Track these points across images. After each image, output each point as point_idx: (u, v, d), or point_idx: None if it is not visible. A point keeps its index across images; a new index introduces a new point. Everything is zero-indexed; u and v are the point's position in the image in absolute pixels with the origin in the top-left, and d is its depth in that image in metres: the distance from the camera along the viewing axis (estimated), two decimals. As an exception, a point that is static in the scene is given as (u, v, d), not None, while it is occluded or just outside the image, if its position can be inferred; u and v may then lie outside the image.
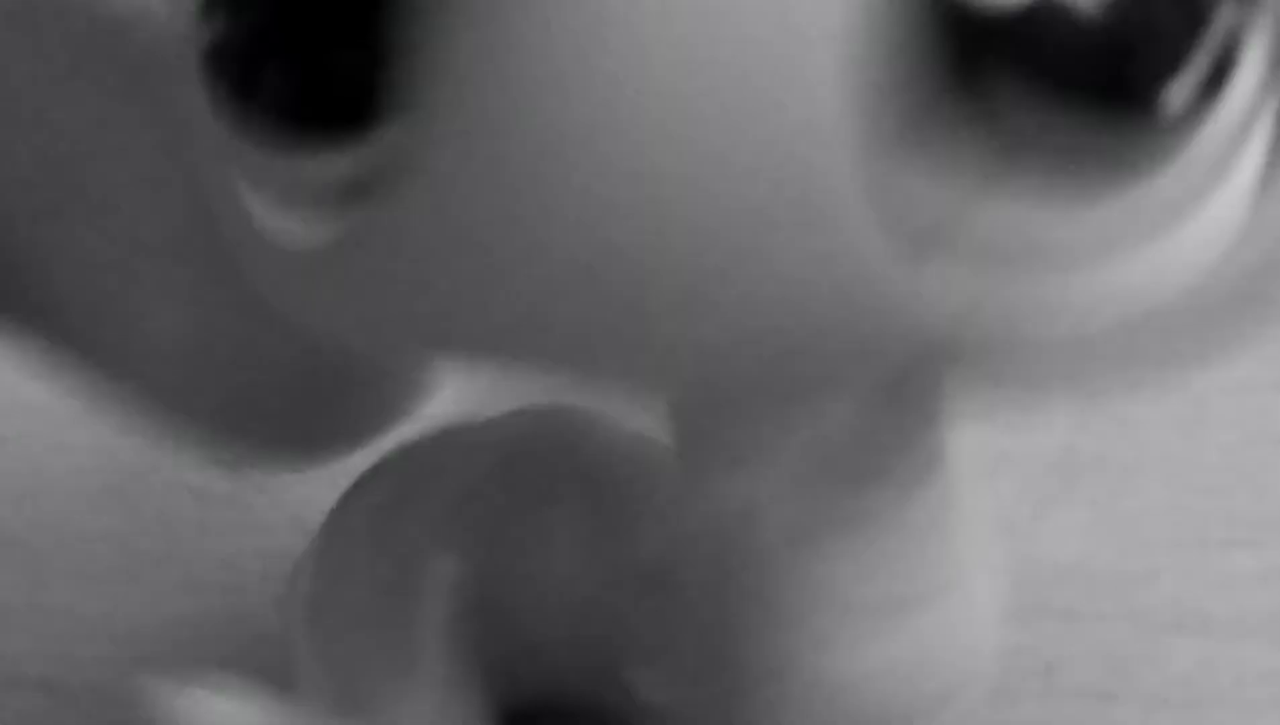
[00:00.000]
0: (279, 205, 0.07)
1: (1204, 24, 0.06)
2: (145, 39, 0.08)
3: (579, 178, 0.06)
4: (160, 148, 0.09)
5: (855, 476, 0.07)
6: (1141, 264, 0.06)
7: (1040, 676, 0.13)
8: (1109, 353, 0.07)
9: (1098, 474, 0.16)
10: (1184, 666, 0.14)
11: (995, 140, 0.06)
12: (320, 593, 0.08)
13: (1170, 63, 0.06)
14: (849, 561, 0.07)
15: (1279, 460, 0.16)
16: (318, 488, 0.09)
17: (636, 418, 0.09)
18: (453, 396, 0.09)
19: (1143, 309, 0.06)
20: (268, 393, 0.09)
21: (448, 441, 0.09)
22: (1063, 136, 0.06)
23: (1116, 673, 0.14)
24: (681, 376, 0.06)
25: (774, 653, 0.07)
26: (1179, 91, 0.06)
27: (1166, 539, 0.15)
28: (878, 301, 0.06)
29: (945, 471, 0.08)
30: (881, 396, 0.07)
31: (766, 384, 0.06)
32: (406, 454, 0.09)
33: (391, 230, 0.06)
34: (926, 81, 0.06)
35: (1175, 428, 0.16)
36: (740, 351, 0.06)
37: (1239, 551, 0.15)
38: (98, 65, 0.08)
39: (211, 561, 0.15)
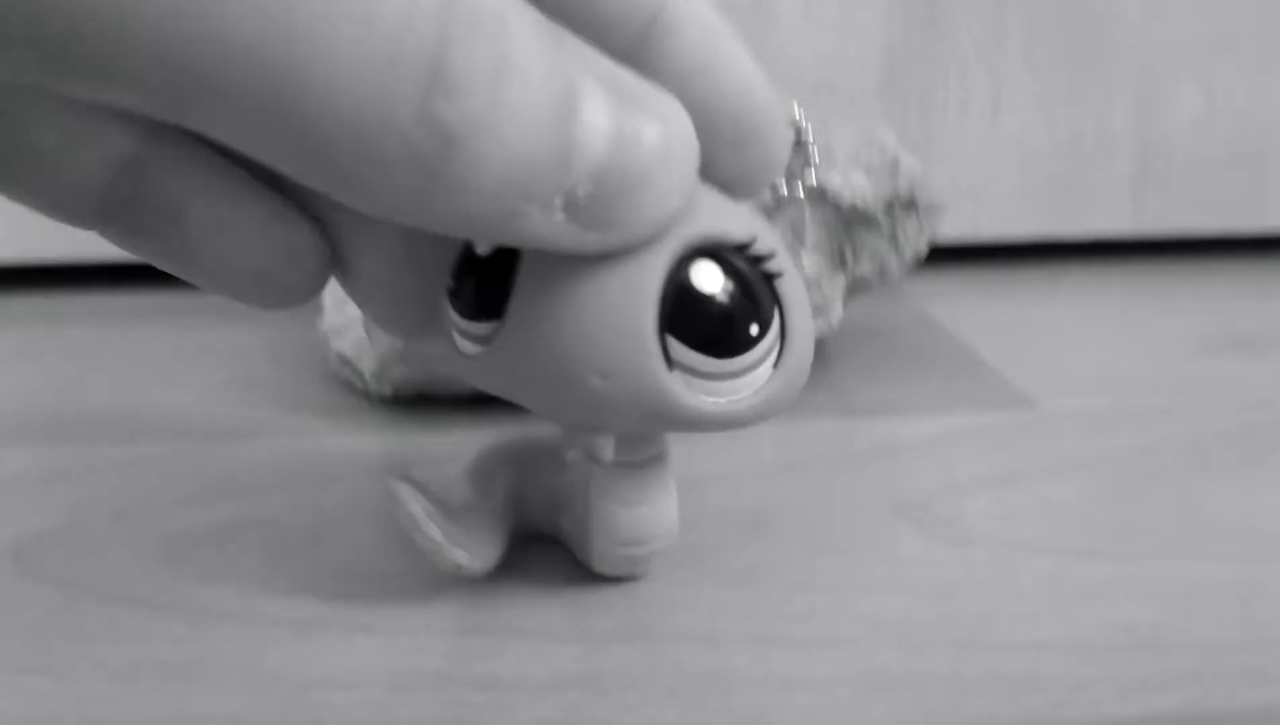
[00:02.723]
0: (459, 337, 0.16)
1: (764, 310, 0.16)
2: None
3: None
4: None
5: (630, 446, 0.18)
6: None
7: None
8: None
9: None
10: None
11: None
12: (468, 465, 0.19)
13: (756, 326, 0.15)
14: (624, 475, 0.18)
15: None
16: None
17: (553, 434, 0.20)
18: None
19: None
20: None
21: (506, 439, 0.20)
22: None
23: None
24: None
25: (590, 508, 0.18)
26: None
27: None
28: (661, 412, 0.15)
29: (664, 444, 0.18)
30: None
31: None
32: (496, 441, 0.20)
33: (488, 359, 0.16)
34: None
35: None
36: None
37: None
38: None
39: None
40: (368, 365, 0.26)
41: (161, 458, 0.24)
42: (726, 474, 0.23)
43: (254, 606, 0.18)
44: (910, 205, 0.29)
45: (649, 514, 0.18)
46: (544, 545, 0.20)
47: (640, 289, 0.15)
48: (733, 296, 0.15)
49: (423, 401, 0.26)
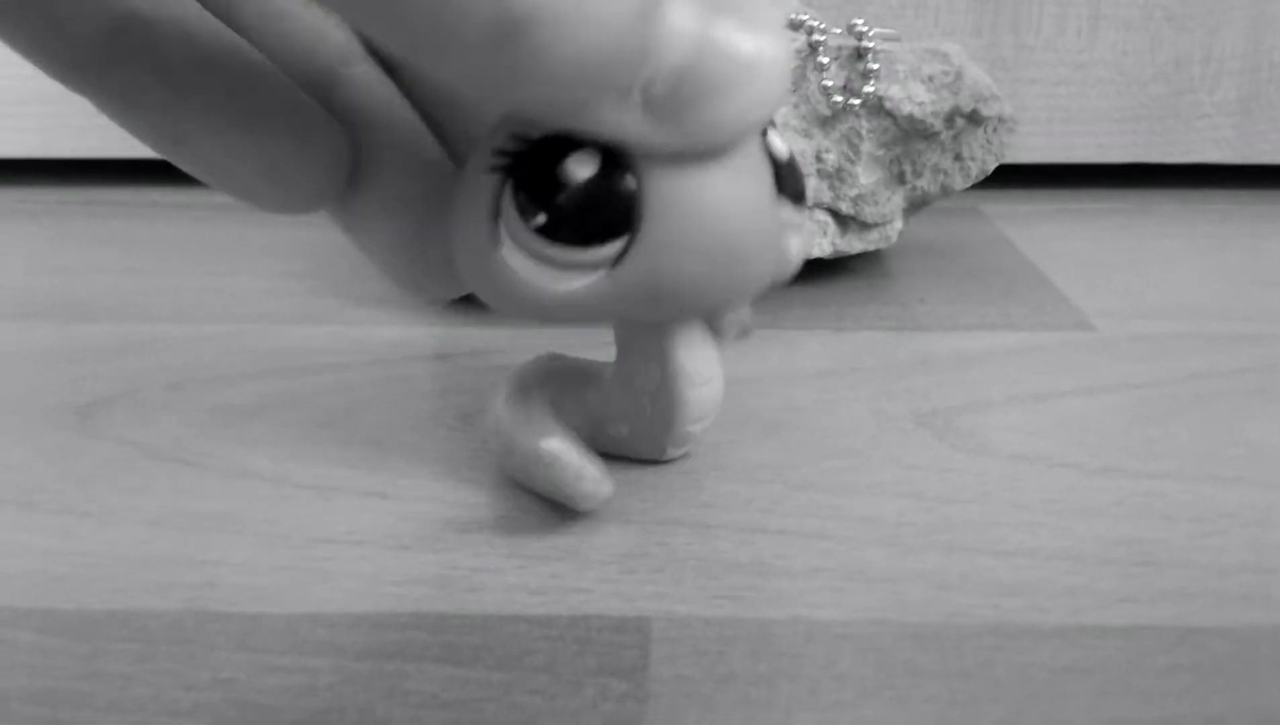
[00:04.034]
0: (557, 273, 0.16)
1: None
2: None
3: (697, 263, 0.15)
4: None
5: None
6: None
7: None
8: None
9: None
10: None
11: None
12: (508, 411, 0.19)
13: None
14: (703, 361, 0.19)
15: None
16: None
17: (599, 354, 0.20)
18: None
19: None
20: None
21: (538, 360, 0.20)
22: None
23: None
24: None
25: (676, 397, 0.19)
26: None
27: None
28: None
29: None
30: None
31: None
32: (526, 364, 0.20)
33: (618, 279, 0.16)
34: None
35: None
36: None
37: None
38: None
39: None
40: (422, 260, 0.27)
41: (222, 336, 0.25)
42: (758, 377, 0.23)
43: (283, 470, 0.20)
44: (975, 118, 0.28)
45: (717, 388, 0.19)
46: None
47: (765, 167, 0.16)
48: (792, 158, 0.17)
49: (470, 298, 0.27)
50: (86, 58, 0.16)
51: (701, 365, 0.18)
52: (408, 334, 0.26)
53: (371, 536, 0.18)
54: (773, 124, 0.17)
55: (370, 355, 0.24)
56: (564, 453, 0.17)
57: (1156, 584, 0.16)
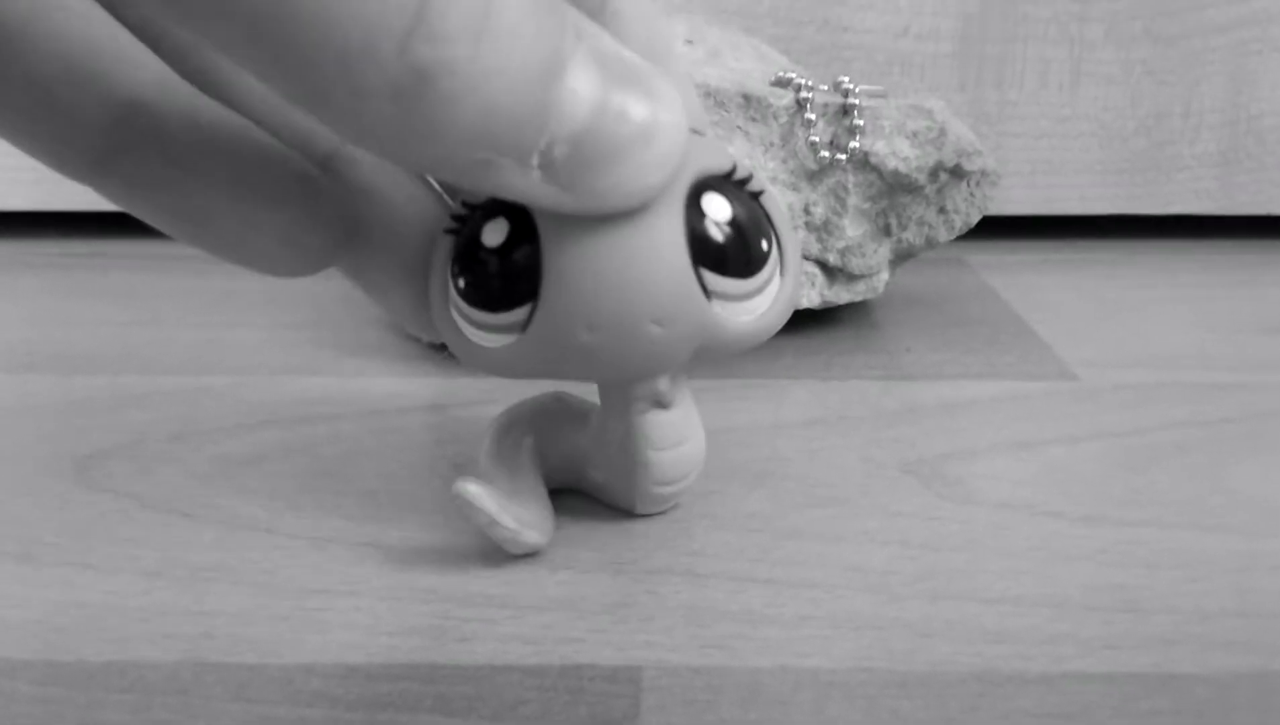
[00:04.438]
0: (481, 333, 0.17)
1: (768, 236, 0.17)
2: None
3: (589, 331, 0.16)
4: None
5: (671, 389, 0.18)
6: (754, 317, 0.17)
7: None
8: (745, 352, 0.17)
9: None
10: None
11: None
12: (491, 447, 0.20)
13: (764, 241, 0.17)
14: (659, 425, 0.19)
15: None
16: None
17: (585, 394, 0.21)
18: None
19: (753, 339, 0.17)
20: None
21: (537, 399, 0.21)
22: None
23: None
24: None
25: (635, 457, 0.19)
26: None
27: None
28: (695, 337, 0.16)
29: (687, 389, 0.19)
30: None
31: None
32: (523, 402, 0.20)
33: (528, 343, 0.16)
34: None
35: None
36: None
37: None
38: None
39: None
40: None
41: (220, 388, 0.26)
42: (747, 427, 0.24)
43: (279, 521, 0.20)
44: (958, 173, 0.29)
45: (687, 452, 0.19)
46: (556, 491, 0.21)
47: (671, 234, 0.16)
48: (740, 219, 0.16)
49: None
50: (92, 145, 0.16)
51: (665, 430, 0.18)
52: (403, 385, 0.26)
53: (365, 587, 0.18)
54: (739, 186, 0.17)
55: (366, 406, 0.25)
56: (477, 498, 0.17)
57: (1139, 630, 0.17)
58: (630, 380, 0.18)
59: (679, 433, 0.19)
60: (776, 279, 0.17)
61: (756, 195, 0.17)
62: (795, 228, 0.28)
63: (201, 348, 0.29)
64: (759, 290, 0.17)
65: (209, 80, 0.17)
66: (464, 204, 0.17)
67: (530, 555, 0.19)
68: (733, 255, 0.16)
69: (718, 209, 0.16)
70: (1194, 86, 0.38)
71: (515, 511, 0.18)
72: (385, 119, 0.13)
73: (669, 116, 0.15)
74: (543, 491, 0.19)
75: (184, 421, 0.24)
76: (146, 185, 0.17)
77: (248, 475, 0.21)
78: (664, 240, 0.16)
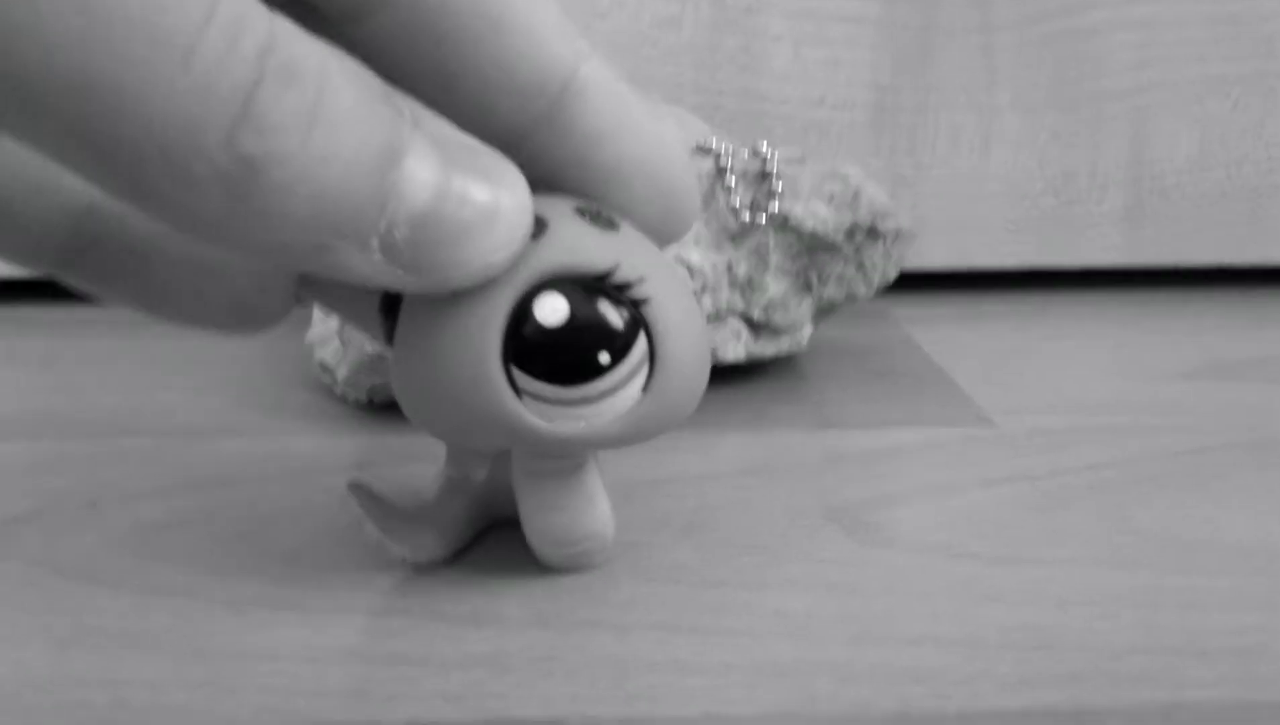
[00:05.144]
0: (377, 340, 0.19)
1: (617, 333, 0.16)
2: None
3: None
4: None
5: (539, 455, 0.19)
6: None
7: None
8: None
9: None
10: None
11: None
12: (444, 471, 0.21)
13: (607, 354, 0.16)
14: (542, 483, 0.19)
15: None
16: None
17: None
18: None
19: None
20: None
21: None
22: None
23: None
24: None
25: (524, 512, 0.19)
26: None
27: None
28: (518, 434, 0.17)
29: (590, 459, 0.19)
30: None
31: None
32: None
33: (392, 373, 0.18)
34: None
35: None
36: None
37: None
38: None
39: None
40: (343, 372, 0.27)
41: (140, 451, 0.25)
42: (673, 479, 0.24)
43: (198, 585, 0.19)
44: (873, 233, 0.29)
45: (570, 519, 0.19)
46: (500, 534, 0.21)
47: (486, 323, 0.16)
48: (574, 327, 0.16)
49: (394, 406, 0.27)
50: (57, 246, 0.17)
51: (543, 496, 0.19)
52: (325, 445, 0.26)
53: (285, 650, 0.17)
54: (616, 289, 0.16)
55: (288, 466, 0.25)
56: (353, 497, 0.20)
57: (1052, 667, 0.17)
58: (471, 448, 0.20)
59: (558, 496, 0.19)
60: (634, 392, 0.17)
61: (637, 303, 0.16)
62: (716, 288, 0.28)
63: (120, 411, 0.28)
64: (594, 399, 0.16)
65: None
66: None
67: (454, 611, 0.19)
68: (551, 360, 0.16)
69: (549, 311, 0.16)
70: (1097, 148, 0.39)
71: (390, 523, 0.20)
72: (216, 209, 0.13)
73: (511, 200, 0.15)
74: (456, 516, 0.20)
75: (100, 486, 0.23)
76: (110, 274, 0.17)
77: (165, 540, 0.21)
78: (477, 326, 0.16)
